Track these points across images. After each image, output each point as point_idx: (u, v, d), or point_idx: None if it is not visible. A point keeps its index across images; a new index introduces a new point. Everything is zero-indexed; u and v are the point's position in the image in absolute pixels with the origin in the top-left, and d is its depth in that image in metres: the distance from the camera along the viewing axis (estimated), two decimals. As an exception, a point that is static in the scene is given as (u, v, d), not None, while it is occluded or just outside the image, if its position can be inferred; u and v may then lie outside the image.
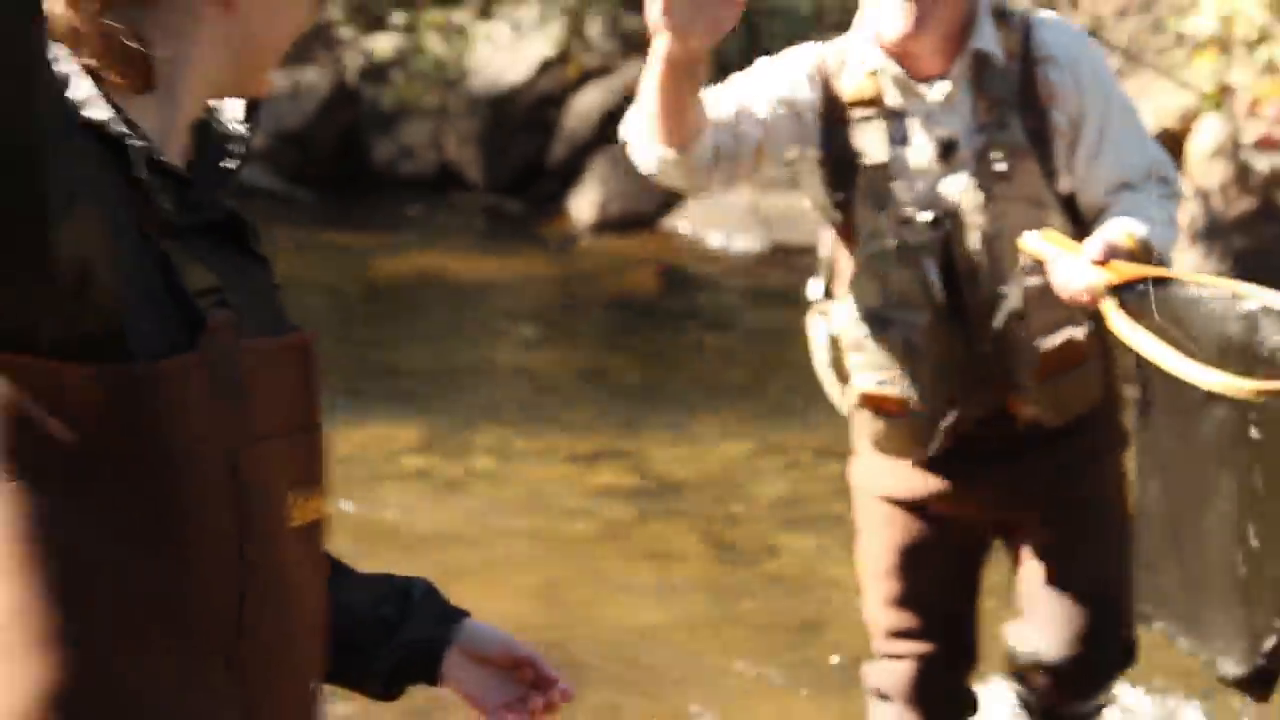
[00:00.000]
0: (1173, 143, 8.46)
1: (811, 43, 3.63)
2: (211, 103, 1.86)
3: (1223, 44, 9.24)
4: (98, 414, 1.71)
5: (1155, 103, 9.36)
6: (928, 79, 3.43)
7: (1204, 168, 9.42)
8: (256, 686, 1.84)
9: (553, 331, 10.33)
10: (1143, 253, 3.26)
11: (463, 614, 2.08)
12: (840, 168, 3.51)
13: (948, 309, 3.41)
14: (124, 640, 1.76)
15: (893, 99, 3.47)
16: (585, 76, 11.96)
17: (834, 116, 3.51)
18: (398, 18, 12.45)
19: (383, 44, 12.53)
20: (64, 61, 1.69)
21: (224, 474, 1.77)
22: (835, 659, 4.96)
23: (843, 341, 3.53)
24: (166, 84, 1.76)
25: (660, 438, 8.15)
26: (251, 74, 1.85)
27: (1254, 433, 2.95)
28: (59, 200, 1.56)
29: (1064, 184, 3.46)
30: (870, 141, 3.47)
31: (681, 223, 10.61)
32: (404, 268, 10.88)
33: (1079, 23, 9.75)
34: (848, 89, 3.49)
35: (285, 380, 1.86)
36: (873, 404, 3.47)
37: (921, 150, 3.45)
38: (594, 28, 12.09)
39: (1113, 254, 3.16)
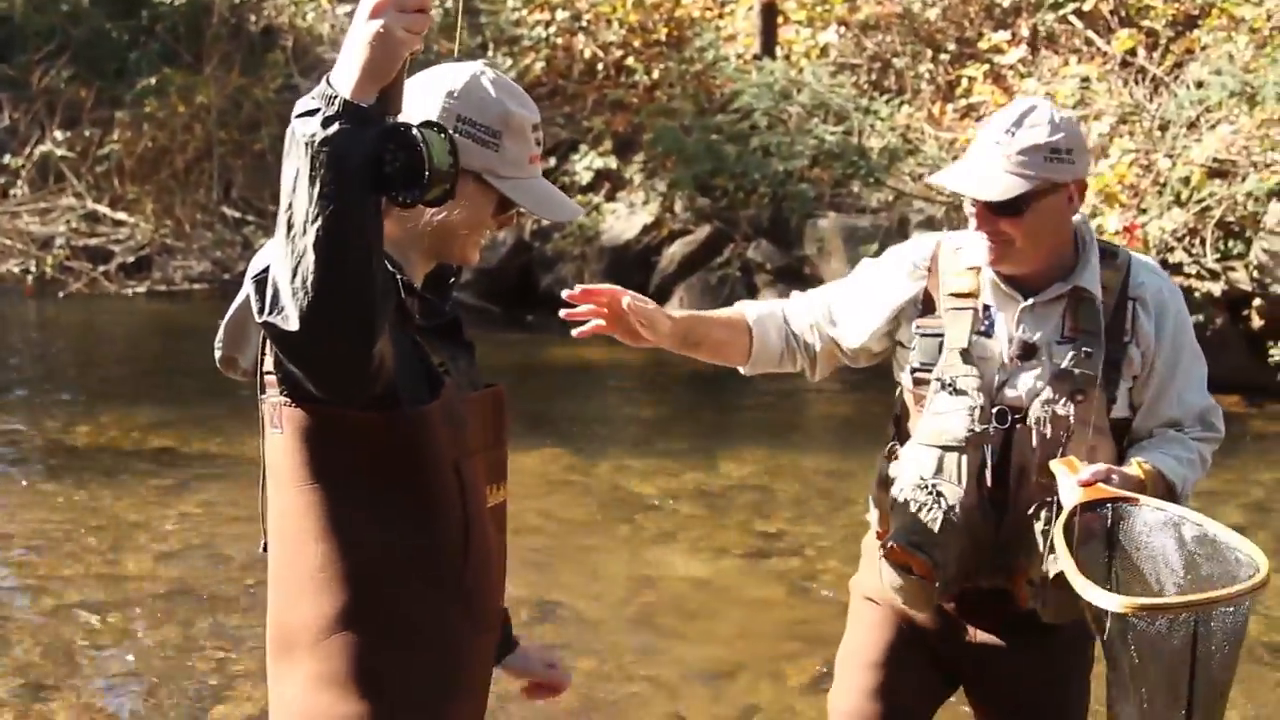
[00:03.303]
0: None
1: (931, 237, 3.47)
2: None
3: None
4: (377, 441, 2.29)
5: None
6: (1025, 289, 3.28)
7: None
8: (473, 605, 2.44)
9: (651, 393, 11.78)
10: (1154, 482, 3.16)
11: (515, 644, 2.84)
12: (927, 343, 3.34)
13: (991, 496, 3.25)
14: (392, 579, 2.35)
15: (986, 297, 3.31)
16: (672, 235, 14.64)
17: (931, 301, 3.37)
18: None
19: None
20: None
21: (453, 475, 2.35)
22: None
23: (893, 490, 3.33)
24: (404, 254, 2.38)
25: (726, 461, 9.19)
26: (451, 252, 2.47)
27: (1132, 651, 2.74)
28: (380, 318, 2.11)
29: (1117, 411, 3.30)
30: (957, 328, 3.31)
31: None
32: (558, 355, 12.46)
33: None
34: (949, 280, 3.35)
35: (485, 417, 2.47)
36: (899, 560, 3.28)
37: (1002, 345, 3.29)
38: (678, 205, 14.78)
39: (1102, 479, 3.03)
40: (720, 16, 16.69)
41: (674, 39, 16.52)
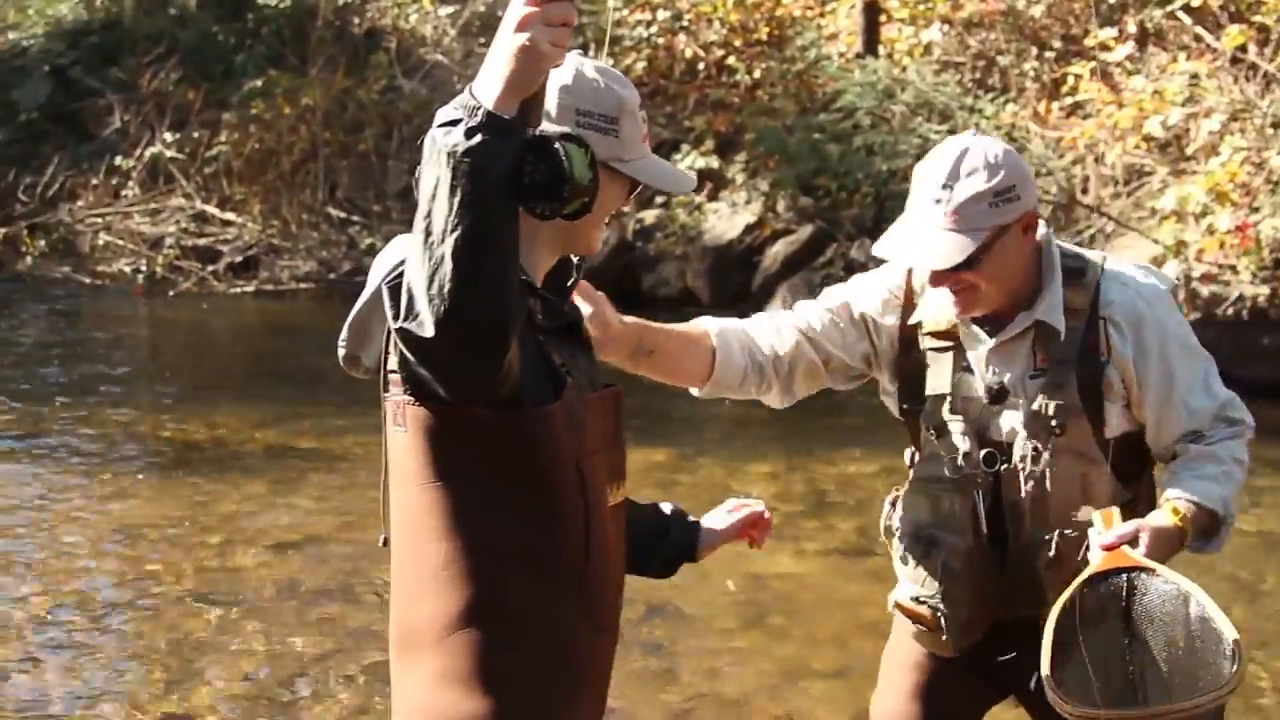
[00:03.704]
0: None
1: (899, 267, 3.29)
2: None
3: (1179, 215, 11.19)
4: (500, 440, 2.32)
5: (1135, 252, 10.76)
6: (992, 326, 3.18)
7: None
8: (593, 604, 2.45)
9: None
10: (1194, 520, 3.04)
11: (697, 524, 2.92)
12: (910, 386, 3.26)
13: (990, 538, 3.17)
14: (514, 577, 2.37)
15: (964, 335, 3.21)
16: (774, 235, 14.56)
17: (910, 340, 3.26)
18: (659, 198, 14.80)
19: (650, 215, 15.19)
20: None
21: (574, 474, 2.37)
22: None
23: (893, 542, 3.28)
24: (529, 249, 2.31)
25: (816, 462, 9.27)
26: (576, 243, 2.47)
27: None
28: (514, 326, 2.16)
29: (1113, 430, 3.17)
30: (938, 370, 3.22)
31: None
32: None
33: (1089, 204, 12.29)
34: (928, 318, 3.24)
35: (605, 417, 2.50)
36: (907, 612, 3.25)
37: (979, 386, 3.20)
38: (780, 205, 14.72)
39: (1128, 540, 2.93)
40: (822, 15, 16.58)
41: (775, 38, 16.41)
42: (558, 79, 2.44)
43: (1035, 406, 3.15)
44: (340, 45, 18.84)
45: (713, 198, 15.29)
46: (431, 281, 2.08)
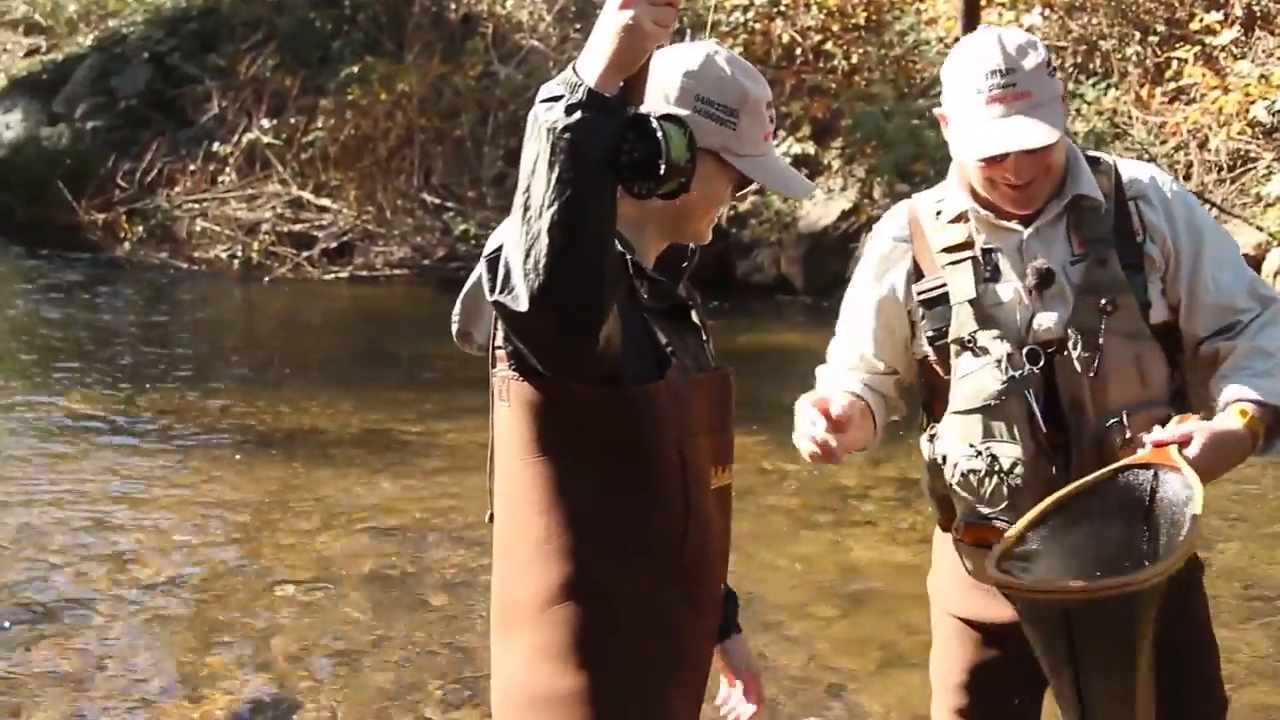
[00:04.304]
0: (1253, 265, 8.86)
1: (904, 203, 3.27)
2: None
3: None
4: (601, 417, 2.34)
5: (1240, 238, 10.75)
6: (1019, 218, 3.08)
7: (1272, 280, 10.65)
8: (691, 585, 2.45)
9: None
10: (1265, 419, 2.92)
11: (736, 630, 2.80)
12: (932, 308, 3.14)
13: (1050, 443, 3.04)
14: (612, 555, 2.38)
15: (983, 240, 3.10)
16: (870, 221, 12.94)
17: (920, 267, 3.17)
18: (753, 188, 15.50)
19: (745, 202, 15.08)
20: None
21: (675, 454, 2.38)
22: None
23: (946, 471, 3.16)
24: (639, 233, 2.43)
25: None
26: (684, 230, 2.50)
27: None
28: (608, 303, 2.18)
29: (1155, 316, 3.06)
30: (960, 280, 3.10)
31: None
32: (755, 340, 12.53)
33: (1193, 190, 11.72)
34: (937, 237, 3.15)
35: (712, 399, 2.50)
36: (975, 536, 3.15)
37: (1014, 284, 3.07)
38: (876, 191, 14.60)
39: (1183, 442, 2.80)
40: (921, 0, 16.46)
41: (873, 23, 16.31)
42: (685, 63, 2.46)
43: (1081, 287, 3.05)
44: (436, 31, 18.91)
45: (808, 183, 15.16)
46: (528, 256, 2.11)
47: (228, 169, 18.41)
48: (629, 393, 2.32)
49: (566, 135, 2.07)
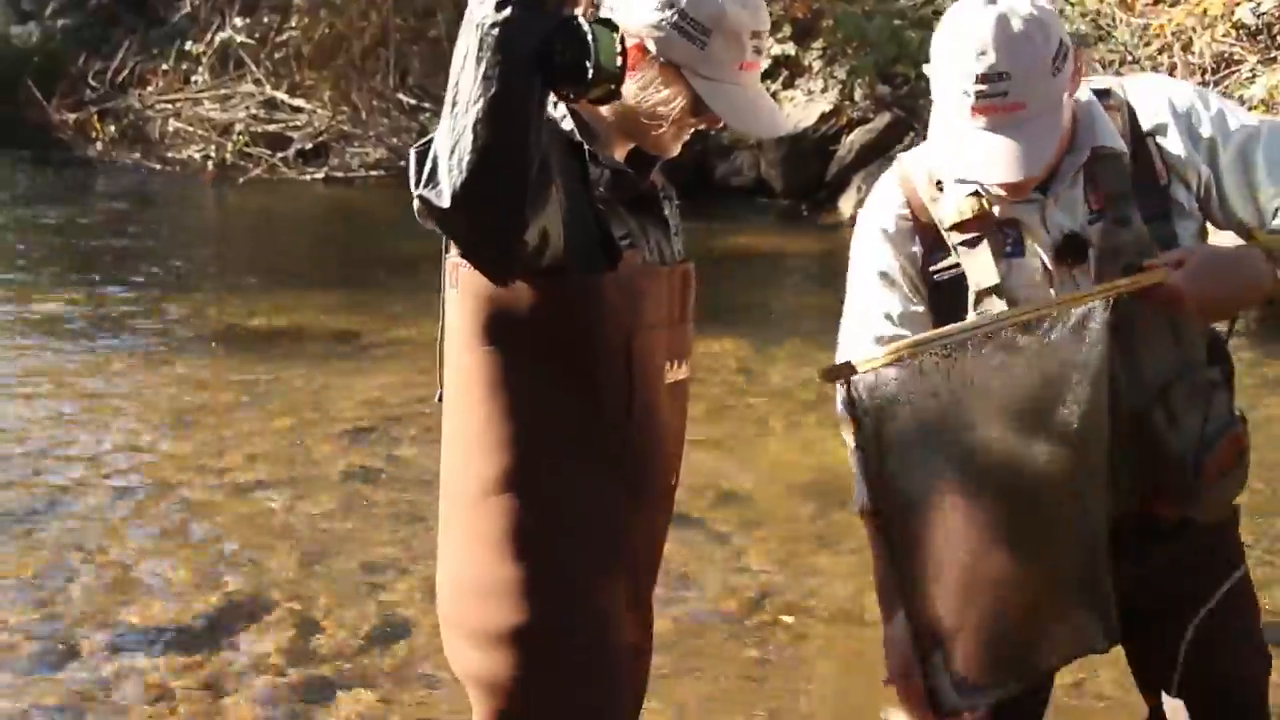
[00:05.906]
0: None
1: (892, 175, 2.86)
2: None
3: (1268, 105, 10.92)
4: (543, 308, 2.33)
5: None
6: (1041, 184, 2.70)
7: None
8: (636, 480, 2.45)
9: (821, 283, 10.91)
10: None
11: None
12: (950, 293, 2.79)
13: None
14: (552, 447, 2.39)
15: (1001, 210, 2.74)
16: (851, 123, 14.66)
17: (936, 246, 2.80)
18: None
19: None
20: (559, 110, 2.35)
21: (622, 347, 2.37)
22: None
23: None
24: (604, 125, 2.44)
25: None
26: (644, 139, 2.44)
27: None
28: (531, 204, 2.17)
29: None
30: (978, 262, 2.76)
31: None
32: (730, 244, 12.53)
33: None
34: (946, 213, 2.78)
35: (671, 292, 2.48)
36: None
37: (1040, 255, 2.74)
38: (857, 93, 14.72)
39: (1173, 264, 2.58)
40: (904, -101, 16.23)
41: (856, -78, 16.08)
42: None
43: (1103, 252, 2.70)
44: (414, -72, 18.63)
45: (788, 85, 15.25)
46: (452, 152, 2.11)
47: (200, 69, 18.24)
48: (571, 282, 2.32)
49: (494, 31, 2.06)
